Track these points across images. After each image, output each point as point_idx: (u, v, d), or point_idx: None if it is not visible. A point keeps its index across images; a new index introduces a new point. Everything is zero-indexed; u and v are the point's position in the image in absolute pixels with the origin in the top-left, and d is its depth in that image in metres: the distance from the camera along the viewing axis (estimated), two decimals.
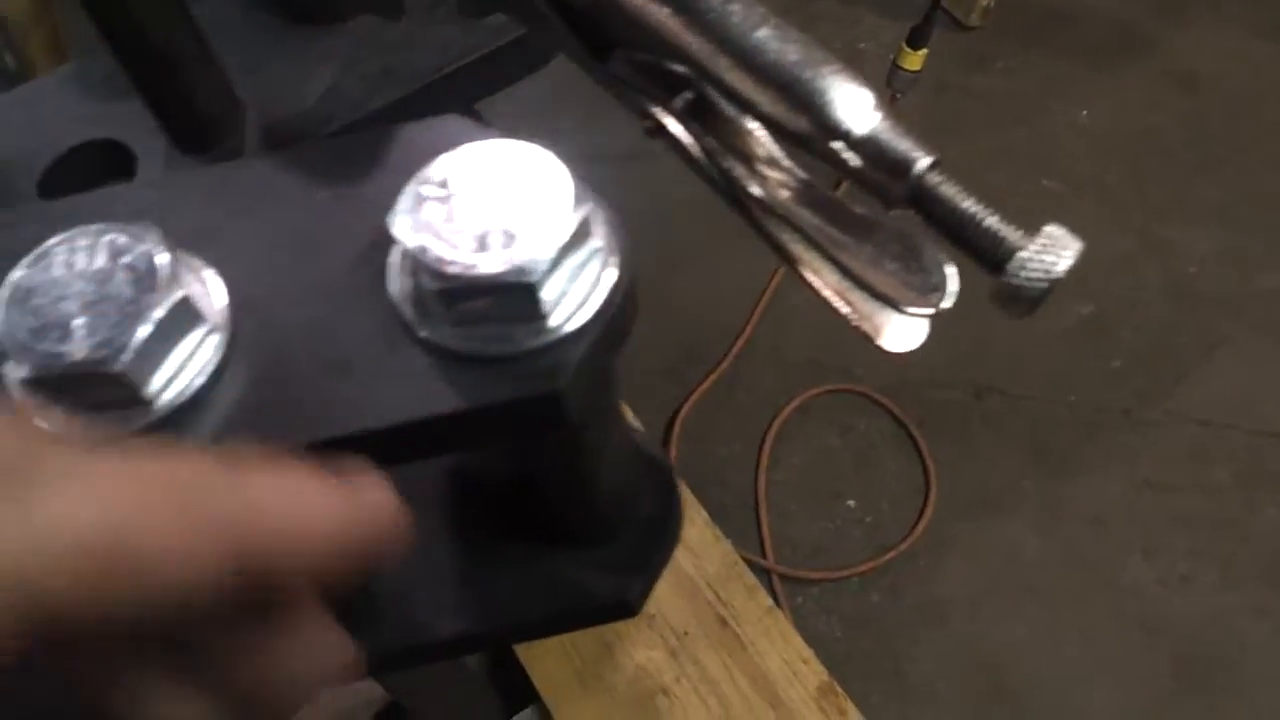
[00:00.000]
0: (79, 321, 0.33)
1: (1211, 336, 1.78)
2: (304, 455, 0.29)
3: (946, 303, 0.38)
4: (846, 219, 0.40)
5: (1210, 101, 2.05)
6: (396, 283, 0.36)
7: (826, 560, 1.60)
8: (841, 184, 0.36)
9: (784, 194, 0.41)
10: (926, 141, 0.36)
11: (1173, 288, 1.84)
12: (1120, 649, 1.52)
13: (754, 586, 1.29)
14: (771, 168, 0.41)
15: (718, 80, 0.37)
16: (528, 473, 0.45)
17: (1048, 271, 0.34)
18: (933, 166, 0.35)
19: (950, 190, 0.35)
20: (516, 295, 0.34)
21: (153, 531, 0.25)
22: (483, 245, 0.33)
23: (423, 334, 0.35)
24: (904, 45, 1.63)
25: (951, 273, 0.39)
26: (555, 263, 0.34)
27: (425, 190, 0.35)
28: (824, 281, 0.41)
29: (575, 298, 0.35)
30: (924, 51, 1.63)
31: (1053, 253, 0.34)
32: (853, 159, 0.36)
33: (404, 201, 0.34)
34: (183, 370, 0.35)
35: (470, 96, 0.59)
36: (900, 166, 0.35)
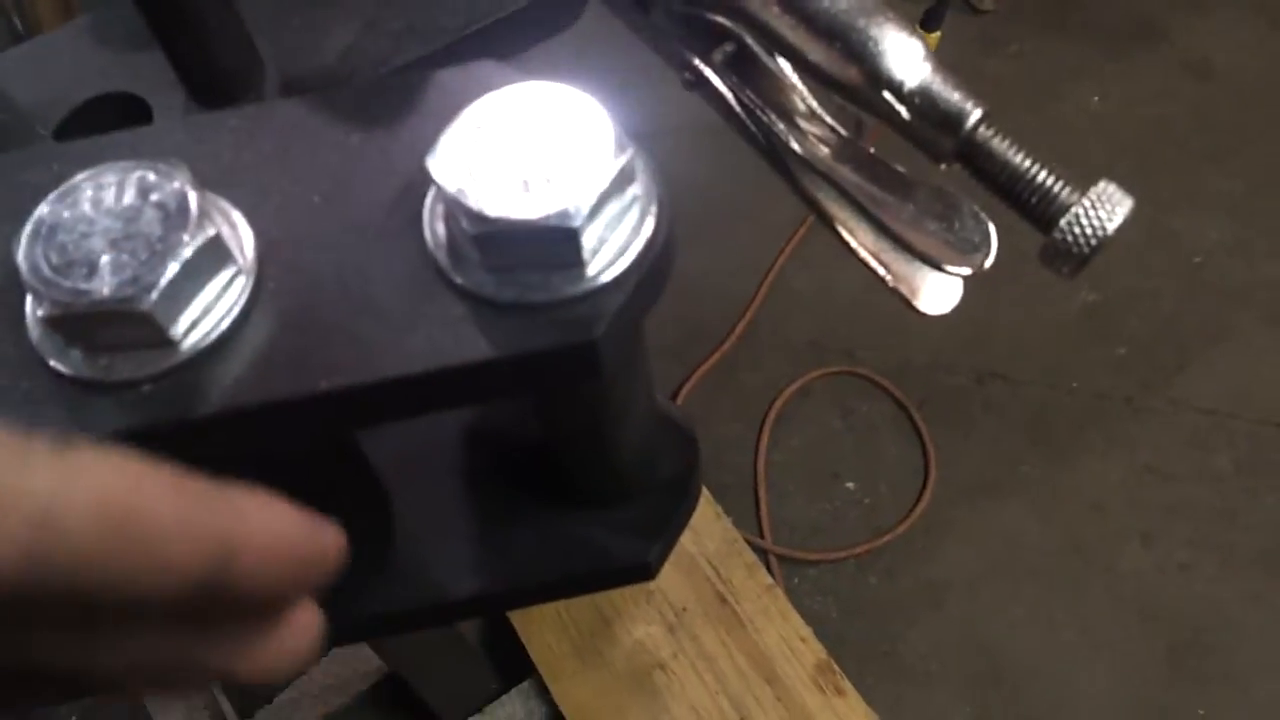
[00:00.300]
0: (105, 259, 0.32)
1: (1216, 326, 1.78)
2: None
3: (989, 261, 0.38)
4: (887, 177, 0.40)
5: (1223, 91, 2.04)
6: (431, 228, 0.35)
7: (825, 541, 1.59)
8: (864, 129, 0.36)
9: (823, 150, 0.40)
10: (976, 94, 0.35)
11: (1179, 277, 1.83)
12: (1117, 635, 1.52)
13: (753, 564, 1.29)
14: (812, 123, 0.40)
15: (766, 28, 0.36)
16: (551, 431, 0.44)
17: (1100, 229, 0.33)
18: (984, 119, 0.34)
19: (1002, 145, 0.34)
20: (556, 241, 0.33)
21: (165, 514, 0.26)
22: (523, 189, 0.32)
23: (458, 280, 0.34)
24: (918, 27, 1.62)
25: (993, 231, 0.38)
26: (596, 209, 0.33)
27: (464, 132, 0.34)
28: (860, 241, 0.41)
29: (614, 246, 0.34)
30: (938, 34, 1.62)
31: (1105, 209, 0.33)
32: (903, 111, 0.35)
33: (443, 143, 0.34)
34: (209, 312, 0.34)
35: (494, 57, 0.58)
36: (951, 120, 0.34)
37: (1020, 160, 0.34)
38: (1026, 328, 1.77)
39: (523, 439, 0.47)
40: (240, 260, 0.35)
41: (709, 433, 1.67)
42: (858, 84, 0.35)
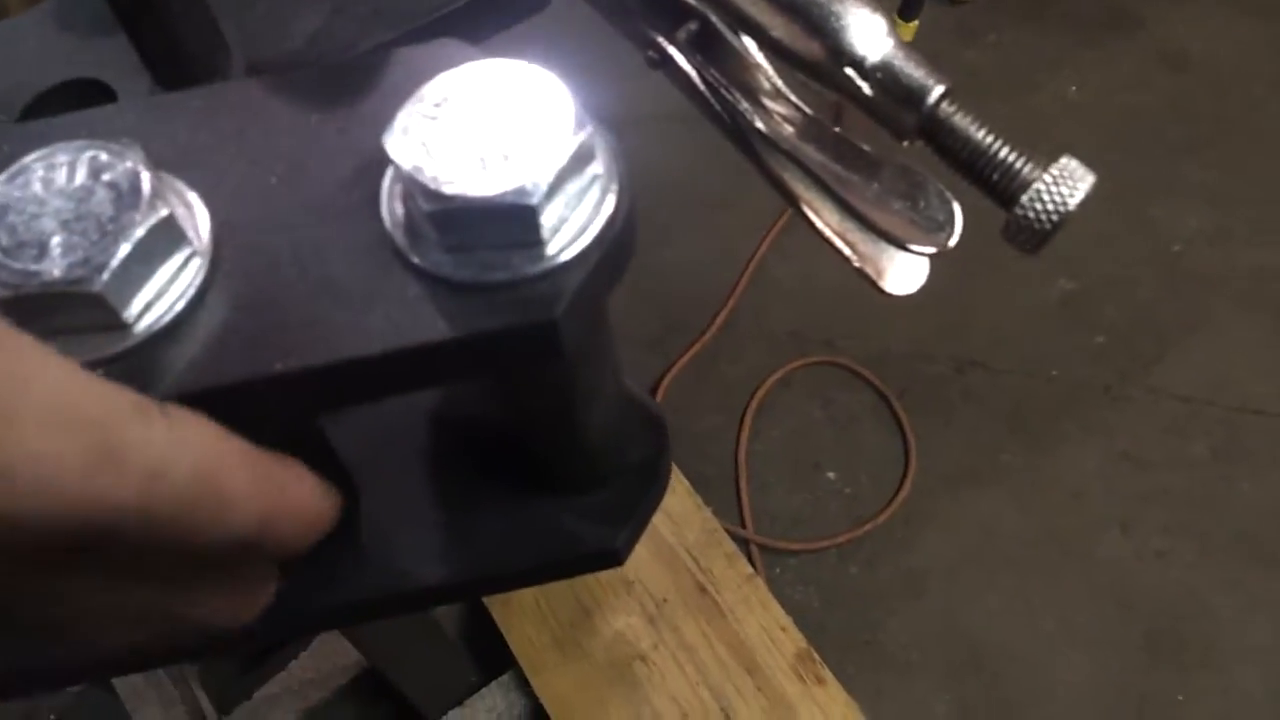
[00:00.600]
0: (56, 240, 0.32)
1: (1194, 314, 1.78)
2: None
3: (953, 240, 0.37)
4: (852, 156, 0.39)
5: (1198, 80, 2.04)
6: (389, 207, 0.34)
7: (805, 531, 1.59)
8: (843, 115, 0.35)
9: (788, 129, 0.40)
10: (938, 71, 0.35)
11: (1157, 265, 1.84)
12: (1095, 622, 1.52)
13: (734, 554, 1.29)
14: (776, 101, 0.40)
15: (729, 4, 0.36)
16: (517, 415, 0.44)
17: (1062, 204, 0.33)
18: (946, 95, 0.34)
19: (964, 120, 0.34)
20: (515, 219, 0.32)
21: (239, 480, 0.30)
22: (480, 166, 0.32)
23: (416, 260, 0.33)
24: (896, 17, 1.62)
25: (958, 210, 0.38)
26: (555, 186, 0.32)
27: (422, 110, 0.33)
28: (825, 221, 0.40)
29: (574, 225, 0.34)
30: (915, 24, 1.62)
31: (1067, 185, 0.33)
32: (865, 87, 0.35)
33: (400, 121, 0.33)
34: (164, 293, 0.33)
35: (464, 41, 0.58)
36: (914, 95, 0.34)
37: (983, 136, 0.34)
38: (1005, 316, 1.78)
39: (490, 424, 0.47)
40: (195, 241, 0.34)
41: (690, 424, 1.67)
42: (820, 60, 0.35)
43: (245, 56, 0.53)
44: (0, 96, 0.56)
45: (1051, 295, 1.80)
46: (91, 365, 0.33)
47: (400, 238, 0.34)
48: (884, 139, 0.37)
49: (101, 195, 0.33)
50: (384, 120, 0.33)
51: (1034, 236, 0.33)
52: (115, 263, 0.32)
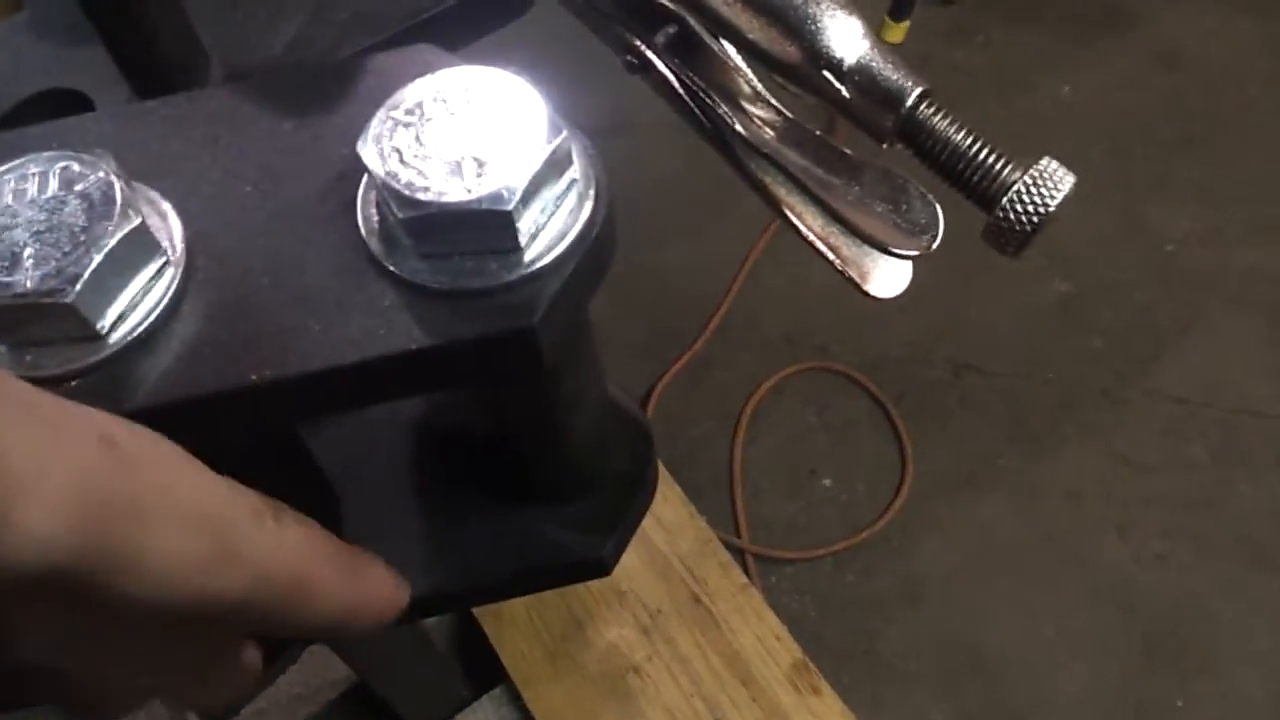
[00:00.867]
0: (28, 251, 0.32)
1: (1190, 315, 1.78)
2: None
3: (935, 243, 0.37)
4: (833, 159, 0.39)
5: (1192, 79, 2.04)
6: (364, 214, 0.34)
7: (801, 539, 1.59)
8: (835, 125, 0.35)
9: (769, 133, 0.40)
10: (917, 72, 0.34)
11: (1152, 266, 1.83)
12: (1094, 627, 1.51)
13: (728, 564, 1.28)
14: (756, 105, 0.40)
15: (706, 8, 0.36)
16: (501, 425, 0.44)
17: (1042, 206, 0.33)
18: (924, 97, 0.34)
19: (943, 123, 0.34)
20: (491, 226, 0.32)
21: (328, 584, 0.33)
22: (455, 172, 0.32)
23: (391, 268, 0.33)
24: (887, 17, 1.62)
25: (940, 213, 0.38)
26: (530, 192, 0.32)
27: (396, 116, 0.33)
28: (808, 226, 0.40)
29: (552, 231, 0.33)
30: (906, 24, 1.62)
31: (1046, 187, 0.33)
32: (843, 90, 0.34)
33: (374, 127, 0.33)
34: (138, 304, 0.33)
35: (445, 45, 0.58)
36: (892, 97, 0.34)
37: (962, 138, 0.34)
38: (1001, 319, 1.77)
39: (475, 434, 0.46)
40: (169, 251, 0.34)
41: (683, 431, 1.66)
42: (797, 62, 0.34)
43: (223, 64, 0.53)
44: None
45: (1047, 297, 1.80)
46: (65, 377, 0.33)
47: (376, 245, 0.34)
48: (869, 144, 0.37)
49: (74, 206, 0.32)
50: (359, 127, 0.33)
51: (1014, 239, 0.33)
52: (87, 273, 0.31)
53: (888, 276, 0.40)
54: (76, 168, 0.33)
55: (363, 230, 0.34)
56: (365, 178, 0.34)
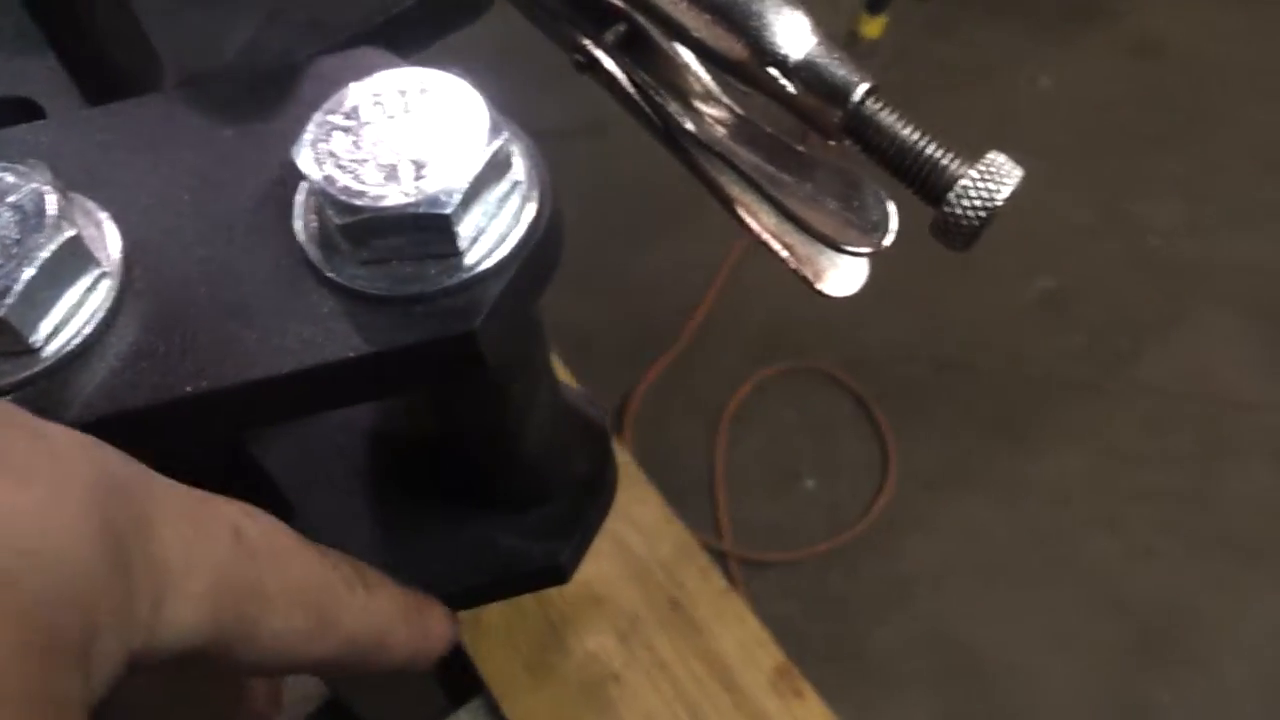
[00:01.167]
0: None
1: (1173, 308, 1.77)
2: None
3: (888, 240, 0.37)
4: (785, 157, 0.39)
5: (1173, 72, 2.04)
6: (303, 221, 0.34)
7: (785, 542, 1.58)
8: (808, 137, 0.35)
9: (720, 131, 0.39)
10: (863, 69, 0.34)
11: (1133, 260, 1.83)
12: (1084, 623, 1.51)
13: (707, 568, 1.27)
14: (708, 103, 0.39)
15: (652, 6, 0.35)
16: (454, 432, 0.43)
17: (988, 200, 0.32)
18: (871, 92, 0.33)
19: (889, 118, 0.33)
20: (430, 229, 0.32)
21: (401, 641, 0.36)
22: (392, 176, 0.31)
23: (330, 274, 0.33)
24: (864, 12, 1.62)
25: (893, 210, 0.37)
26: (470, 194, 0.32)
27: (333, 120, 0.33)
28: (761, 224, 0.40)
29: (494, 235, 0.33)
30: (884, 19, 1.61)
31: (994, 180, 0.33)
32: (789, 86, 0.34)
33: (310, 132, 0.32)
34: (72, 316, 0.33)
35: (403, 48, 0.57)
36: (838, 93, 0.33)
37: (908, 134, 0.33)
38: (984, 315, 1.77)
39: (428, 441, 0.46)
40: (104, 262, 0.33)
41: (664, 434, 1.66)
42: (743, 59, 0.34)
43: (176, 70, 0.52)
44: None
45: (1029, 293, 1.79)
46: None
47: (314, 252, 0.33)
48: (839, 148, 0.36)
49: (6, 218, 0.32)
50: (299, 132, 0.33)
51: (962, 233, 0.33)
52: (20, 286, 0.31)
53: (842, 275, 0.40)
54: (10, 179, 0.32)
55: (301, 237, 0.33)
56: (303, 183, 0.34)
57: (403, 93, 0.33)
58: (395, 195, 0.31)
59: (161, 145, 0.36)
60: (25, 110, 0.53)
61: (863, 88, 0.33)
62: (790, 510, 1.61)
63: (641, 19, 0.38)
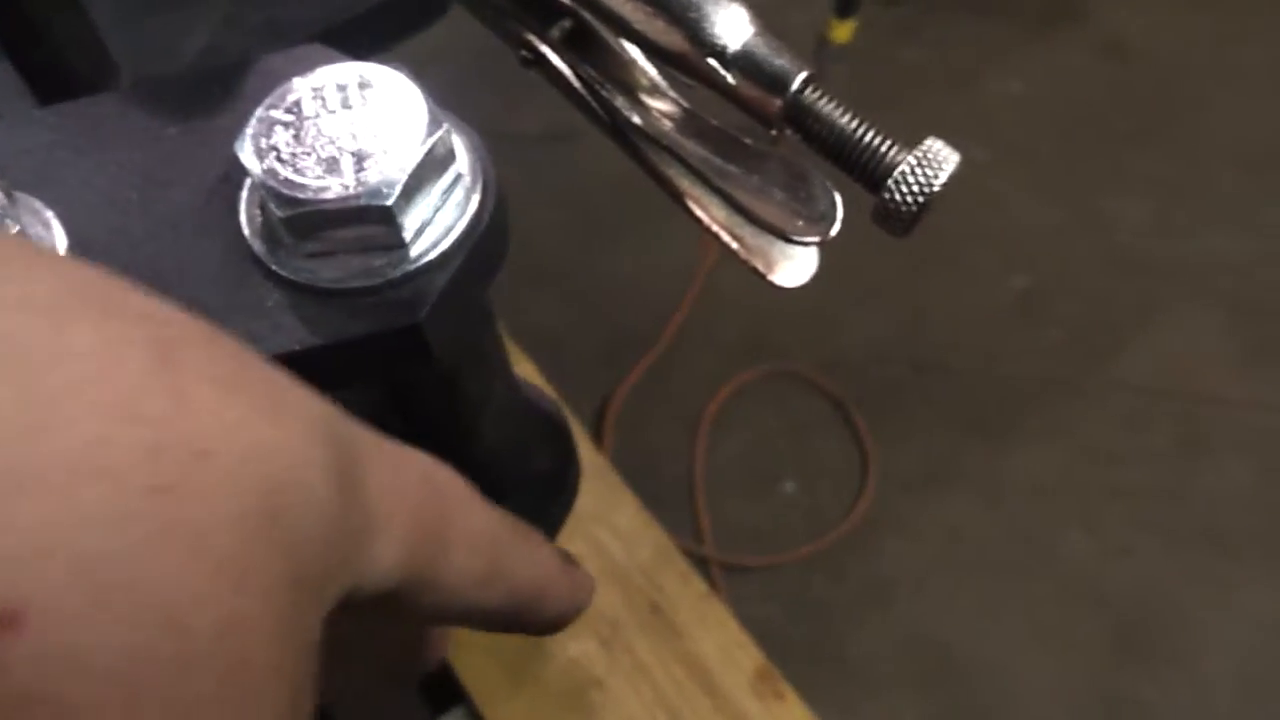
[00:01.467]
0: None
1: (1147, 306, 1.78)
2: None
3: (834, 230, 0.37)
4: (732, 149, 0.39)
5: (1142, 72, 2.04)
6: (248, 216, 0.34)
7: (766, 545, 1.58)
8: (779, 137, 0.35)
9: (667, 124, 0.39)
10: (800, 58, 0.34)
11: (1108, 258, 1.84)
12: (1064, 621, 1.52)
13: (688, 572, 1.27)
14: (654, 97, 0.40)
15: (592, 1, 0.36)
16: (409, 427, 0.43)
17: (926, 186, 0.33)
18: (809, 81, 0.34)
19: (828, 106, 0.34)
20: (372, 221, 0.32)
21: (563, 594, 0.38)
22: (333, 169, 0.32)
23: (274, 268, 0.33)
24: (832, 16, 1.62)
25: (839, 200, 0.37)
26: (412, 186, 0.32)
27: (274, 115, 0.33)
28: (711, 217, 0.40)
29: (439, 227, 0.33)
30: (853, 23, 1.61)
31: (931, 167, 0.33)
32: (729, 76, 0.34)
33: (252, 127, 0.33)
34: None
35: (363, 50, 0.57)
36: (777, 82, 0.34)
37: (847, 121, 0.34)
38: (960, 316, 1.77)
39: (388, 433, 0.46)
40: None
41: (642, 440, 1.66)
42: (683, 51, 0.34)
43: (133, 75, 0.53)
44: None
45: (1005, 293, 1.80)
46: None
47: (259, 247, 0.33)
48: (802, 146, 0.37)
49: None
50: (240, 134, 0.33)
51: (900, 219, 0.33)
52: None
53: (792, 266, 0.40)
54: None
55: (246, 232, 0.34)
56: (248, 180, 0.34)
57: (342, 87, 0.33)
58: (336, 188, 0.31)
59: (108, 144, 0.36)
60: None
61: (800, 76, 0.34)
62: (770, 513, 1.61)
63: (586, 14, 0.38)
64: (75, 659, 0.20)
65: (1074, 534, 1.58)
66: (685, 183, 0.40)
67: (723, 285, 1.78)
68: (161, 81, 0.38)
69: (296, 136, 0.32)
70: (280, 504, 0.24)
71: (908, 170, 0.33)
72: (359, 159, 0.32)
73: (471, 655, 1.21)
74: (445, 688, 1.22)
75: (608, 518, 1.27)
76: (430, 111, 0.33)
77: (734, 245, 0.40)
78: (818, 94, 0.34)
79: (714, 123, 0.39)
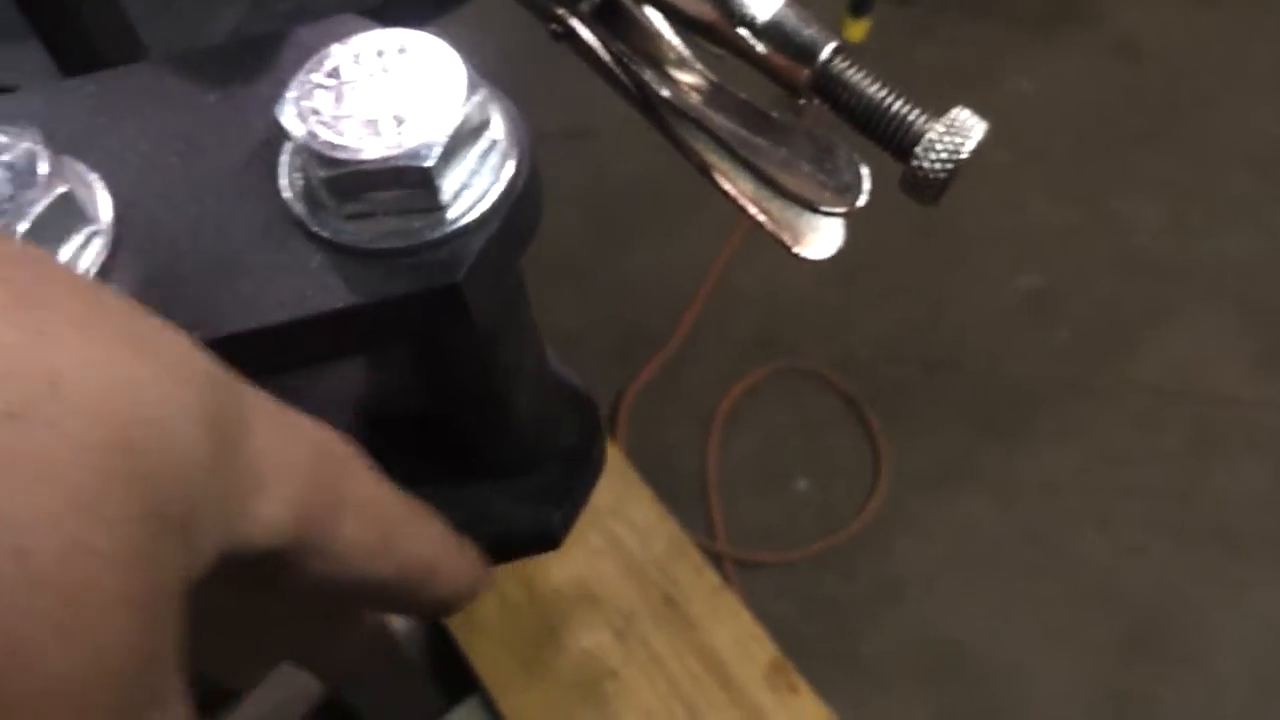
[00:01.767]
0: None
1: (1159, 305, 1.78)
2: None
3: (861, 201, 0.38)
4: (760, 122, 0.40)
5: (1154, 71, 2.05)
6: (289, 179, 0.35)
7: (779, 542, 1.58)
8: (804, 110, 0.36)
9: (695, 97, 0.40)
10: (831, 32, 0.35)
11: (1120, 258, 1.84)
12: (1075, 621, 1.52)
13: (701, 565, 1.28)
14: (682, 70, 0.40)
15: None
16: (443, 399, 0.44)
17: (954, 153, 0.34)
18: (839, 50, 0.34)
19: (857, 75, 0.35)
20: (412, 183, 0.33)
21: (463, 573, 0.39)
22: (374, 130, 0.32)
23: (316, 229, 0.34)
24: (846, 15, 1.62)
25: (865, 172, 0.38)
26: (451, 149, 0.33)
27: (315, 80, 0.34)
28: (739, 189, 0.41)
29: (476, 190, 0.34)
30: (867, 22, 1.62)
31: (959, 134, 0.34)
32: (759, 46, 0.35)
33: (292, 91, 0.33)
34: None
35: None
36: (806, 51, 0.35)
37: (875, 90, 0.34)
38: (972, 315, 1.77)
39: (419, 410, 0.47)
40: (96, 221, 0.34)
41: (656, 437, 1.66)
42: (713, 21, 0.35)
43: (162, 58, 0.53)
44: None
45: (1016, 292, 1.80)
46: None
47: (300, 209, 0.34)
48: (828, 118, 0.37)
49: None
50: (282, 94, 0.34)
51: (929, 187, 0.34)
52: None
53: (819, 239, 0.41)
54: (2, 139, 0.33)
55: (288, 195, 0.34)
56: (288, 143, 0.35)
57: (381, 53, 0.34)
58: (377, 148, 0.32)
59: (148, 111, 0.37)
60: None
61: (830, 46, 0.35)
62: (783, 511, 1.62)
63: None
64: None
65: (1086, 533, 1.59)
66: (713, 156, 0.41)
67: (737, 283, 1.79)
68: (200, 51, 0.38)
69: (337, 100, 0.33)
70: (137, 438, 0.24)
71: (935, 138, 0.33)
72: (400, 121, 0.32)
73: (486, 645, 1.22)
74: (460, 678, 1.23)
75: (623, 512, 1.28)
76: (469, 76, 0.33)
77: (761, 217, 0.40)
78: (847, 63, 0.34)
79: (741, 96, 0.40)
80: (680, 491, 1.58)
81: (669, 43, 0.40)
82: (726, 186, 0.41)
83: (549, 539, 0.46)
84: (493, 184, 0.34)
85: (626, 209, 1.80)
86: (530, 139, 0.35)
